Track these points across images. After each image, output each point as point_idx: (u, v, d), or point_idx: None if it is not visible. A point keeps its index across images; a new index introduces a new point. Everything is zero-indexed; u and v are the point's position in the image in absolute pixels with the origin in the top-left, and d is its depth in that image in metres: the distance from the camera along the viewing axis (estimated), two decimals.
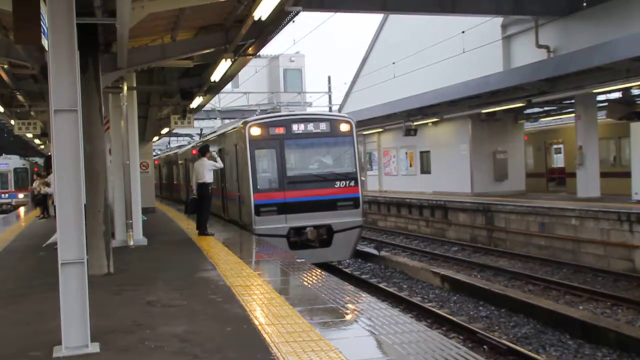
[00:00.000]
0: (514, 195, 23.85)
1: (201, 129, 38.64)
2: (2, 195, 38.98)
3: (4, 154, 41.48)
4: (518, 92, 21.36)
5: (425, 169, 29.50)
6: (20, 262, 12.33)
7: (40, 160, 47.56)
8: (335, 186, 16.08)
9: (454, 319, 11.63)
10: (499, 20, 27.12)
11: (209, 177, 14.64)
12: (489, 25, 26.63)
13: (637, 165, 17.87)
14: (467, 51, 26.53)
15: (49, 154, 30.13)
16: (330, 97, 44.52)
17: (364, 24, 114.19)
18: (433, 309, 12.49)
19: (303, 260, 11.00)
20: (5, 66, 13.31)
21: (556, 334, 10.69)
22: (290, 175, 16.01)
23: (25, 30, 5.81)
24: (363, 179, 19.22)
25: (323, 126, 16.32)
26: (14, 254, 13.67)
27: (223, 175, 19.25)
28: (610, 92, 21.04)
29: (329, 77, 45.85)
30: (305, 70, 53.79)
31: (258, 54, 14.75)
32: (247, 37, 12.14)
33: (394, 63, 33.52)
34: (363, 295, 8.24)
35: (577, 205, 17.82)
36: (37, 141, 32.96)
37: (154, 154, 36.30)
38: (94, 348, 5.79)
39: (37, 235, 16.48)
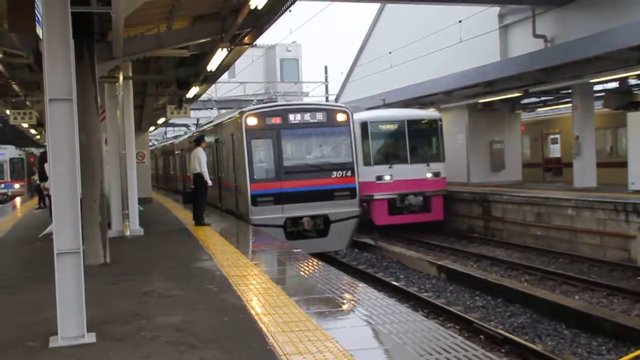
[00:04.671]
0: (510, 185, 23.84)
1: (197, 119, 38.56)
2: None
3: None
4: (515, 82, 21.32)
5: None
6: (16, 253, 12.31)
7: (36, 151, 47.46)
8: (332, 176, 16.08)
9: (450, 309, 11.65)
10: (496, 9, 27.04)
11: (205, 167, 14.62)
12: (486, 15, 26.55)
13: (633, 155, 17.86)
14: (464, 41, 26.46)
15: (44, 143, 30.03)
16: (327, 87, 44.47)
17: (360, 13, 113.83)
18: (429, 299, 12.51)
19: (299, 250, 11.01)
20: (0, 55, 13.23)
21: (552, 323, 10.72)
22: (287, 165, 15.99)
23: (19, 18, 5.78)
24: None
25: (320, 116, 16.29)
26: (10, 244, 13.65)
27: (219, 166, 19.23)
28: (607, 82, 21.02)
29: (326, 67, 45.79)
30: (302, 60, 53.67)
31: (254, 43, 14.70)
32: (244, 26, 12.08)
33: (390, 53, 33.42)
34: (359, 285, 8.25)
35: (574, 195, 17.83)
36: (33, 131, 32.83)
37: (150, 144, 36.21)
38: (90, 338, 5.78)
39: (33, 225, 16.44)
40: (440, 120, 22.20)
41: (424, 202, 21.14)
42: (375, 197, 20.64)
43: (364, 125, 21.01)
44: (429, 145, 22.24)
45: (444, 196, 21.83)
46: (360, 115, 21.62)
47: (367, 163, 20.72)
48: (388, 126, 21.75)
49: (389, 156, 21.59)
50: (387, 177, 20.87)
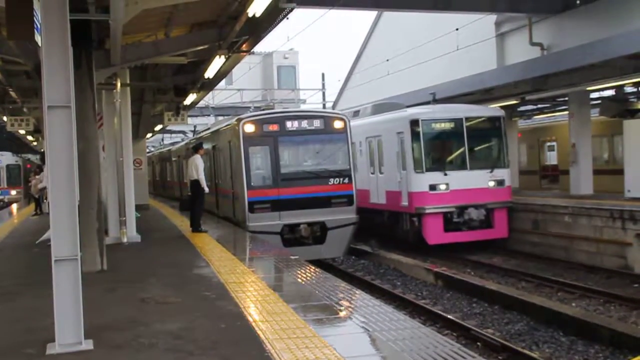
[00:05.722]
0: None
1: (195, 126, 38.58)
2: None
3: None
4: (512, 89, 21.38)
5: None
6: (13, 259, 12.29)
7: (32, 157, 47.43)
8: (329, 183, 16.08)
9: (447, 316, 11.65)
10: (492, 17, 27.15)
11: (202, 174, 14.64)
12: (483, 23, 26.64)
13: (629, 163, 17.92)
14: (461, 48, 26.55)
15: (42, 150, 30.04)
16: (324, 94, 44.52)
17: (358, 21, 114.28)
18: (427, 306, 12.51)
19: (297, 257, 11.01)
20: None
21: (549, 330, 10.72)
22: (284, 172, 16.00)
23: (18, 26, 5.79)
24: None
25: (317, 123, 16.30)
26: (7, 251, 13.62)
27: (217, 172, 19.23)
28: (604, 90, 21.09)
29: (323, 74, 45.91)
30: (299, 67, 53.76)
31: (252, 50, 14.74)
32: (241, 33, 12.13)
33: (387, 60, 33.51)
34: (357, 292, 8.26)
35: (570, 202, 17.86)
36: (29, 137, 32.83)
37: (148, 150, 36.20)
38: (88, 345, 5.78)
39: (30, 232, 16.41)
40: (504, 118, 19.15)
41: (486, 216, 18.13)
42: (427, 211, 17.74)
43: (414, 124, 18.10)
44: (491, 148, 19.10)
45: (509, 209, 18.59)
46: (409, 112, 19.10)
47: (418, 169, 17.95)
48: (443, 125, 18.56)
49: (445, 161, 18.68)
50: (442, 187, 17.79)
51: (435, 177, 17.86)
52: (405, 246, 18.84)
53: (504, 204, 18.39)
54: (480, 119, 18.87)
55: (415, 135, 18.01)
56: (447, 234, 17.96)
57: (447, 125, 18.56)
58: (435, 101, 20.68)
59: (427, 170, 17.94)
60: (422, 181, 17.85)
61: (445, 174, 17.93)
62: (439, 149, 19.01)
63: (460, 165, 18.33)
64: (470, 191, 17.88)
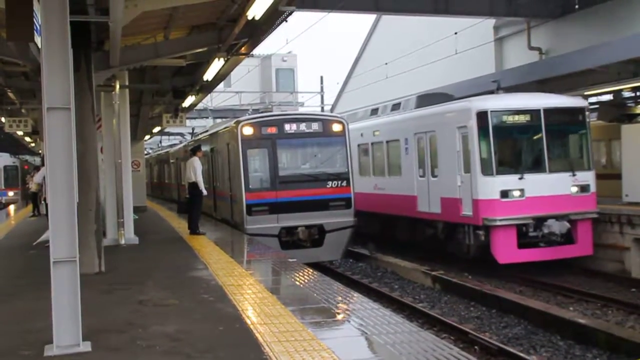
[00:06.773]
0: None
1: (193, 128, 38.60)
2: None
3: None
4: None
5: None
6: (11, 261, 12.28)
7: (30, 158, 47.40)
8: (327, 186, 16.10)
9: (445, 319, 11.64)
10: (491, 22, 27.21)
11: (200, 176, 14.65)
12: (482, 27, 26.69)
13: (627, 167, 17.92)
14: (460, 52, 26.59)
15: (40, 151, 30.02)
16: (322, 97, 44.56)
17: (357, 24, 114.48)
18: (424, 310, 12.50)
19: (295, 260, 11.01)
20: None
21: (547, 334, 10.72)
22: (282, 175, 16.01)
23: (18, 27, 5.80)
24: None
25: (315, 126, 16.32)
26: (4, 252, 13.62)
27: (215, 175, 19.24)
28: (602, 95, 21.11)
29: (321, 77, 45.96)
30: (298, 70, 53.81)
31: (251, 53, 14.77)
32: (240, 36, 12.16)
33: (386, 63, 33.54)
34: (355, 295, 8.27)
35: None
36: (27, 139, 32.82)
37: (145, 152, 36.21)
38: (86, 347, 5.77)
39: (27, 233, 16.40)
40: (588, 110, 16.02)
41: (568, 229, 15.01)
42: (498, 223, 14.59)
43: (481, 117, 14.87)
44: (574, 146, 16.13)
45: (593, 221, 15.37)
46: (474, 102, 15.61)
47: (487, 172, 14.82)
48: (517, 117, 15.30)
49: (519, 162, 15.47)
50: (516, 193, 14.65)
51: (507, 181, 14.77)
52: (470, 265, 16.08)
53: (589, 215, 15.33)
54: (561, 111, 15.62)
55: (483, 130, 14.86)
56: (521, 251, 14.84)
57: (522, 118, 15.36)
58: (500, 89, 17.04)
59: (498, 173, 14.84)
60: (491, 186, 14.74)
61: (521, 178, 14.77)
62: (512, 147, 15.90)
63: (538, 167, 15.23)
64: (549, 199, 14.86)
